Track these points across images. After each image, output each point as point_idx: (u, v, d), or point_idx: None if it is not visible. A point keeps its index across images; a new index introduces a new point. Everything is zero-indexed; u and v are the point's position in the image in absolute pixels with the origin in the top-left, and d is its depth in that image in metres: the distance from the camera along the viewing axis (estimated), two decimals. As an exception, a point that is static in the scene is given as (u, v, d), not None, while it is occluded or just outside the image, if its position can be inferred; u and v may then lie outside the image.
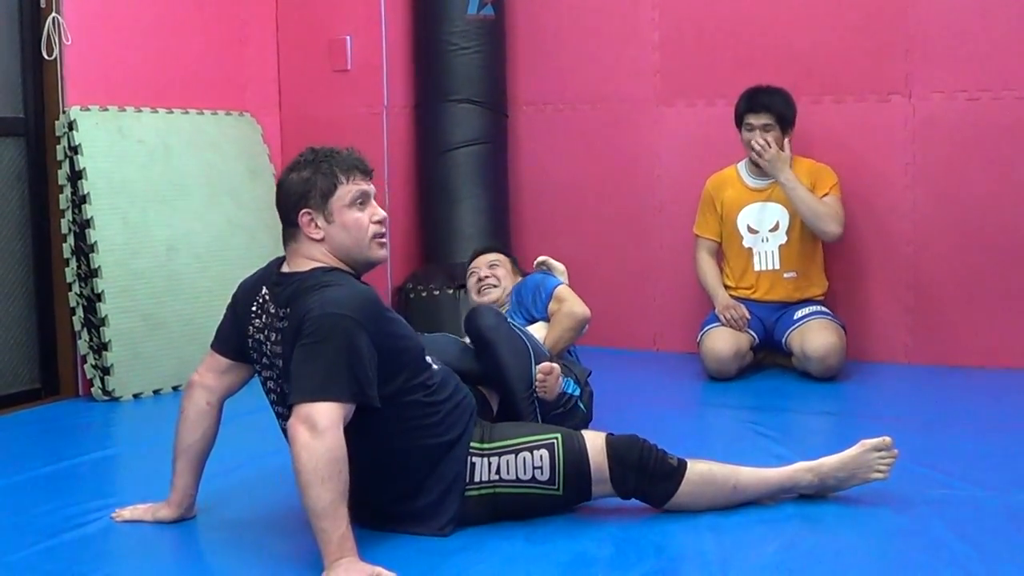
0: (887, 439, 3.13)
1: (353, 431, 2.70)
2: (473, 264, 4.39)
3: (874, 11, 5.09)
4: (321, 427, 2.60)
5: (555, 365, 3.52)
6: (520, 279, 4.30)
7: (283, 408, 2.87)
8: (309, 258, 2.90)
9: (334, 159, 2.91)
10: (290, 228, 2.93)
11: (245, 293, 3.02)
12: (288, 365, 2.77)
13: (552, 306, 4.02)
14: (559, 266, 4.19)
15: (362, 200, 2.92)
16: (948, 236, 5.03)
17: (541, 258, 4.19)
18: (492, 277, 4.25)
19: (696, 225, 5.19)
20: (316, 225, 2.88)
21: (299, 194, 2.89)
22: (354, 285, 2.85)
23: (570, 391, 3.67)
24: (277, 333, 2.86)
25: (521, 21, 5.68)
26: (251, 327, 2.95)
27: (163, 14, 5.30)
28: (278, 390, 2.90)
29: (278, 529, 3.04)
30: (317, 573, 2.59)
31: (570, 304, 3.99)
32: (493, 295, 4.25)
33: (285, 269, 2.94)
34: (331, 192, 2.88)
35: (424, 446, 2.91)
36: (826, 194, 4.94)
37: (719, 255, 5.16)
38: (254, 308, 2.95)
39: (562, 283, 4.11)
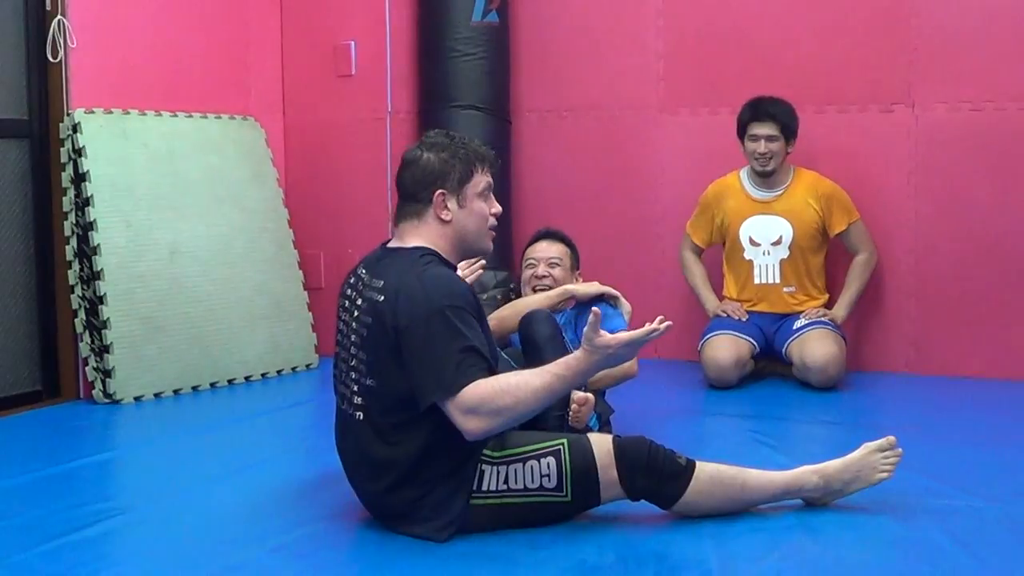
0: (891, 438, 3.15)
1: (390, 432, 2.86)
2: (532, 252, 4.20)
3: (878, 21, 5.10)
4: (476, 409, 2.77)
5: (591, 397, 3.50)
6: (577, 280, 4.16)
7: (349, 358, 2.98)
8: (421, 237, 2.98)
9: (469, 146, 3.02)
10: (415, 204, 3.00)
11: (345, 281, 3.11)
12: (372, 332, 2.87)
13: None
14: (627, 305, 4.06)
15: (488, 191, 3.03)
16: (950, 246, 5.04)
17: (615, 292, 4.04)
18: (549, 277, 4.10)
19: (690, 223, 5.20)
20: (447, 207, 2.97)
21: (437, 173, 2.97)
22: (450, 272, 2.95)
23: (591, 424, 3.65)
24: (365, 301, 2.93)
25: (525, 28, 5.68)
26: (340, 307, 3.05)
27: (168, 18, 5.31)
28: (351, 349, 2.96)
29: (288, 529, 3.04)
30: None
31: None
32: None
33: (392, 244, 3.03)
34: (468, 179, 2.99)
35: (449, 458, 2.92)
36: (853, 222, 4.96)
37: (722, 263, 5.17)
38: (348, 285, 3.04)
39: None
